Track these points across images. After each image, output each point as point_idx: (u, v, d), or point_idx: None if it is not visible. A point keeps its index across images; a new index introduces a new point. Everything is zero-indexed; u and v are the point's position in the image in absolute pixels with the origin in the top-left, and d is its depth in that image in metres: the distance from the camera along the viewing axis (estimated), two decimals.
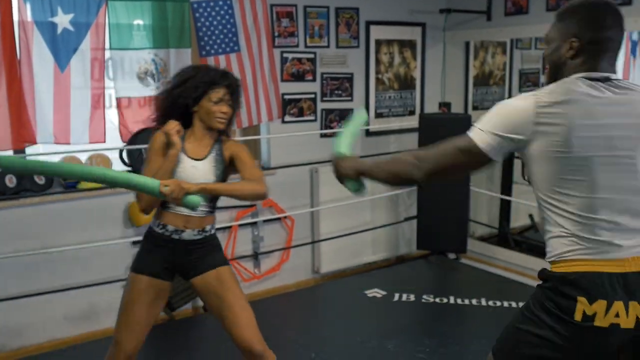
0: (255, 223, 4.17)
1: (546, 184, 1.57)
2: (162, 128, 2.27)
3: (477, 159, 1.60)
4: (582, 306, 1.49)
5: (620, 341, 1.51)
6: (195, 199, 2.10)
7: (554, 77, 1.65)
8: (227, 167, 2.37)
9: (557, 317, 1.52)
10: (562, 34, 1.63)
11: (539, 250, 4.63)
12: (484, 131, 1.58)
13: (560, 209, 1.56)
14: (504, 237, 4.94)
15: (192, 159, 2.30)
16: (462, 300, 3.92)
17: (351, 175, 1.85)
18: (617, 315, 1.48)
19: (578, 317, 1.49)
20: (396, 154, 1.86)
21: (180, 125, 2.28)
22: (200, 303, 3.94)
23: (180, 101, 2.29)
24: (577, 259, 1.54)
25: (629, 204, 1.55)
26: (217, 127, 2.31)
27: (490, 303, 3.85)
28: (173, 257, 2.30)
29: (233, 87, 2.33)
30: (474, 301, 3.88)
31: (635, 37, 6.39)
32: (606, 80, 1.58)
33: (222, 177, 2.37)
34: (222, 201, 4.01)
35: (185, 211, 2.26)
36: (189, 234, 2.30)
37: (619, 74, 1.64)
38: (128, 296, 2.28)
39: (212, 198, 2.33)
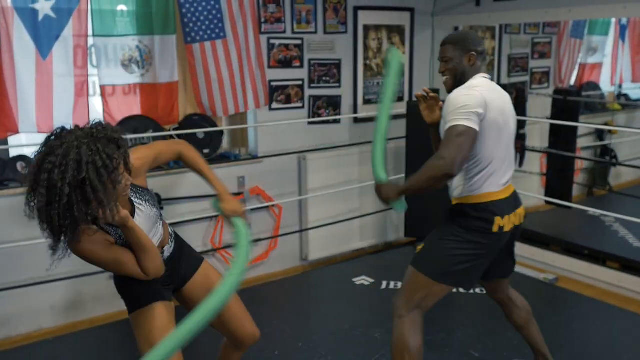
0: None
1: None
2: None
3: (473, 136, 2.15)
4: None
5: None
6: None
7: (459, 82, 2.31)
8: (147, 187, 2.02)
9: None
10: (461, 51, 2.32)
11: (525, 236, 4.64)
12: (465, 118, 2.14)
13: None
14: None
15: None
16: None
17: (394, 198, 2.26)
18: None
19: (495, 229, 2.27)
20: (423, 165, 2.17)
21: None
22: None
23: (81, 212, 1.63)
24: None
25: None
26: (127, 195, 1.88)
27: (477, 290, 3.86)
28: (165, 276, 2.07)
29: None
30: (460, 288, 3.90)
31: (624, 22, 6.38)
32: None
33: (154, 196, 2.08)
34: (208, 191, 4.02)
35: (157, 240, 2.03)
36: (167, 250, 2.12)
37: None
38: (151, 329, 2.00)
39: (160, 201, 2.14)
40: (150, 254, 1.92)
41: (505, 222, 2.30)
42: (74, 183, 1.57)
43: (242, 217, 2.11)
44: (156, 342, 1.86)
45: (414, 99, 4.91)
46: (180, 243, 2.21)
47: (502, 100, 2.30)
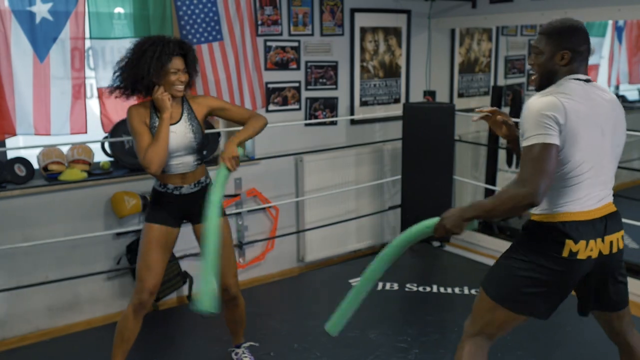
0: (239, 213, 4.17)
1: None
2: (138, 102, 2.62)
3: (555, 153, 1.89)
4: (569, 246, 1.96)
5: (589, 268, 2.02)
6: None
7: (546, 81, 2.05)
8: (201, 123, 2.65)
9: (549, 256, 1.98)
10: (554, 47, 2.03)
11: None
12: (542, 133, 1.88)
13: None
14: (488, 224, 4.97)
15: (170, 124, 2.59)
16: (445, 289, 3.96)
17: (464, 224, 2.01)
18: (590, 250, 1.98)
19: (565, 254, 1.96)
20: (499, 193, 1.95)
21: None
22: (184, 293, 3.96)
23: (143, 74, 2.50)
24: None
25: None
26: (177, 95, 2.57)
27: (473, 291, 3.88)
28: (178, 209, 2.65)
29: (189, 56, 2.59)
30: (456, 289, 3.92)
31: (621, 23, 6.40)
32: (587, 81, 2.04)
33: (201, 134, 2.62)
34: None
35: (181, 169, 2.60)
36: (186, 189, 2.63)
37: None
38: (145, 242, 2.61)
39: (199, 150, 2.61)
40: (158, 147, 2.46)
41: (581, 248, 1.95)
42: (141, 55, 2.50)
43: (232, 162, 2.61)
44: (143, 254, 2.58)
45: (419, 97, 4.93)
46: (204, 193, 2.60)
47: (596, 108, 1.98)
